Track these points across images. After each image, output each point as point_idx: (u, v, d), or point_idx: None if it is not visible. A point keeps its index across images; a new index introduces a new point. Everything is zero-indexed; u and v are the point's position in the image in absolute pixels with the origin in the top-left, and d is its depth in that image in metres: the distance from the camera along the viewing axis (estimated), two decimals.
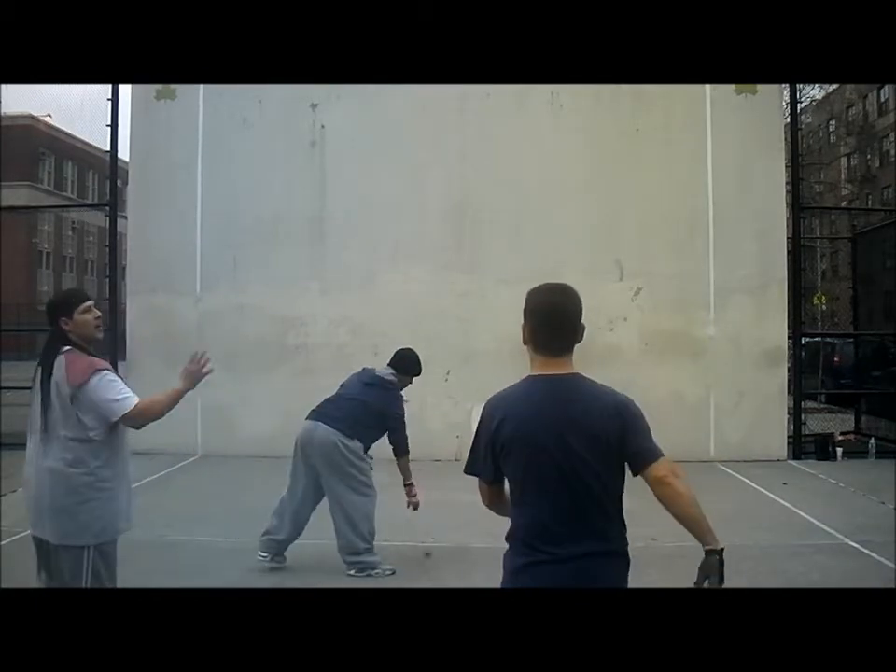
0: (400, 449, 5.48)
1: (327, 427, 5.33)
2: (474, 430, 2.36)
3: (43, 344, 3.35)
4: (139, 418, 3.28)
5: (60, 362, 3.24)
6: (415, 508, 5.58)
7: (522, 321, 2.33)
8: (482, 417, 2.34)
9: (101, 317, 3.44)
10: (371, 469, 5.47)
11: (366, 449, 5.43)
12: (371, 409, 5.44)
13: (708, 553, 2.11)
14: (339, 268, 10.22)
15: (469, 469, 2.36)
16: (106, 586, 3.21)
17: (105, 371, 3.27)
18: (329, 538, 5.46)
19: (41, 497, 3.22)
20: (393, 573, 5.32)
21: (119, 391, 3.26)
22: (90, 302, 3.39)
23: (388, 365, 5.68)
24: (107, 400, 3.22)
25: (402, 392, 5.63)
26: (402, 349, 5.77)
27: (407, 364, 5.68)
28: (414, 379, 5.75)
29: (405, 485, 5.54)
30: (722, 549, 2.12)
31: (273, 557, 5.40)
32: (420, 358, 5.75)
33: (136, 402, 3.26)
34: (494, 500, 2.39)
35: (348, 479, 5.32)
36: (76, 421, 3.21)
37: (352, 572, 5.31)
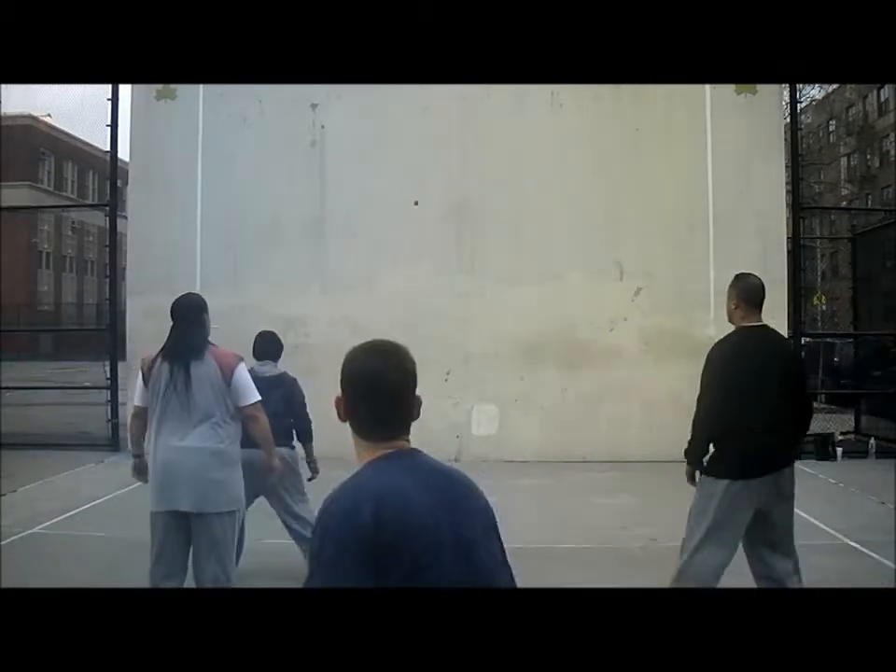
0: None
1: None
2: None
3: (180, 341, 3.68)
4: (262, 413, 3.77)
5: (207, 355, 3.67)
6: None
7: (339, 394, 1.68)
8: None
9: None
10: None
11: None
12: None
13: None
14: (339, 268, 10.22)
15: None
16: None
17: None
18: None
19: (202, 475, 3.54)
20: None
21: None
22: None
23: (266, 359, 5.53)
24: (250, 382, 3.74)
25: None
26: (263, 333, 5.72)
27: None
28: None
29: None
30: None
31: None
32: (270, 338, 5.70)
33: None
34: None
35: None
36: (226, 404, 3.65)
37: None
